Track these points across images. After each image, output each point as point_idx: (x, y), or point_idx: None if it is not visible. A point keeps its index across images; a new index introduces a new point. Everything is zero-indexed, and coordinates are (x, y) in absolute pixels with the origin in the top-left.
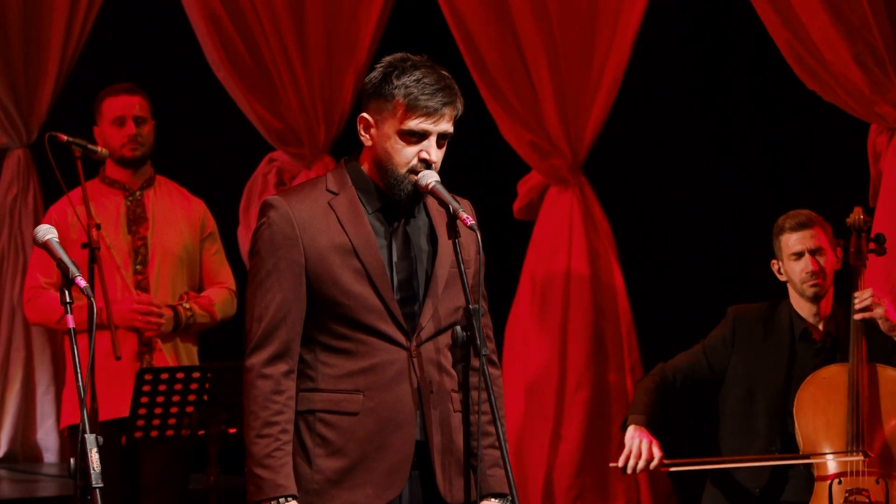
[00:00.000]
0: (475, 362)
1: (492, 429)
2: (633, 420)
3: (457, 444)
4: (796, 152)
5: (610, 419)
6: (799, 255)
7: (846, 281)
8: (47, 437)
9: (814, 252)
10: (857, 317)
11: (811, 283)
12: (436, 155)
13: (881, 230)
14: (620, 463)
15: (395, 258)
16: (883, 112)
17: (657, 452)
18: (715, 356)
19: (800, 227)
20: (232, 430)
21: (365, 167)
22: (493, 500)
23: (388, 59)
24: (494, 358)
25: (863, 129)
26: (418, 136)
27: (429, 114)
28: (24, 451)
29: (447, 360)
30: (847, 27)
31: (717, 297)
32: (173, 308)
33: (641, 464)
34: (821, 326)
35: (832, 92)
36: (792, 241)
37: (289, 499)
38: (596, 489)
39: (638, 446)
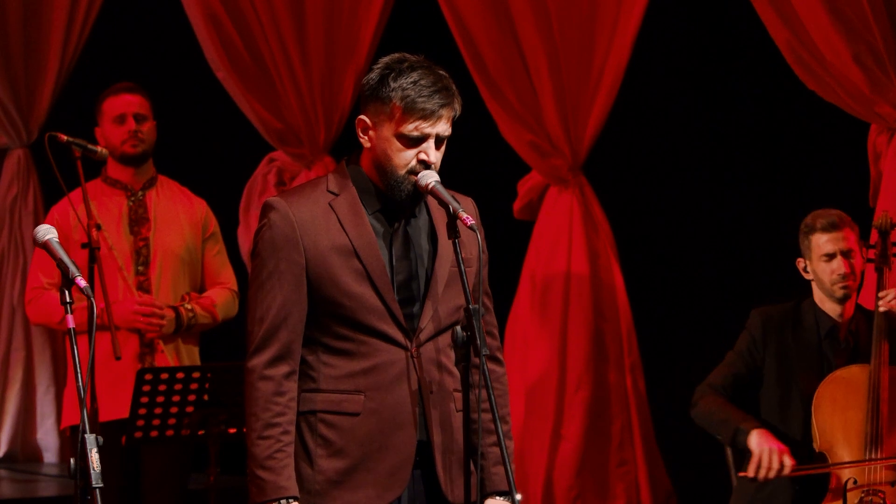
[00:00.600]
0: (477, 360)
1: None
2: (751, 426)
3: (459, 443)
4: (796, 152)
5: (610, 419)
6: (831, 257)
7: (870, 282)
8: (47, 437)
9: (846, 254)
10: (882, 309)
11: (842, 284)
12: (434, 156)
13: None
14: (751, 473)
15: (395, 259)
16: (883, 112)
17: (788, 461)
18: (751, 359)
19: (832, 227)
20: (232, 430)
21: (365, 168)
22: (497, 498)
23: (385, 60)
24: (499, 355)
25: (863, 129)
26: (416, 139)
27: (426, 116)
28: (24, 451)
29: (449, 359)
30: (847, 27)
31: (717, 296)
32: (175, 309)
33: (773, 473)
34: (843, 327)
35: (832, 92)
36: (823, 242)
37: (290, 500)
38: (596, 489)
39: (769, 456)
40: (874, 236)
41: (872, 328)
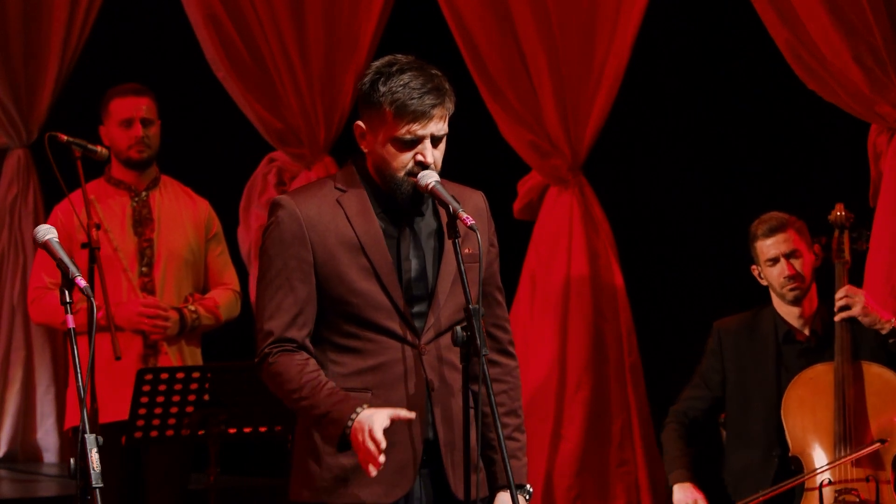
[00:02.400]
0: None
1: (506, 420)
2: (675, 478)
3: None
4: (796, 152)
5: (610, 419)
6: (774, 261)
7: (829, 278)
8: (47, 437)
9: (789, 255)
10: (838, 318)
11: (790, 287)
12: (432, 156)
13: (881, 230)
14: None
15: (402, 258)
16: (883, 112)
17: None
18: (711, 378)
19: (771, 232)
20: (232, 430)
21: (369, 170)
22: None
23: (376, 64)
24: (510, 348)
25: (863, 129)
26: (410, 141)
27: (416, 119)
28: (24, 451)
29: (456, 356)
30: (847, 27)
31: (717, 297)
32: (179, 311)
33: None
34: (806, 329)
35: (832, 92)
36: (766, 247)
37: (363, 407)
38: (596, 489)
39: None
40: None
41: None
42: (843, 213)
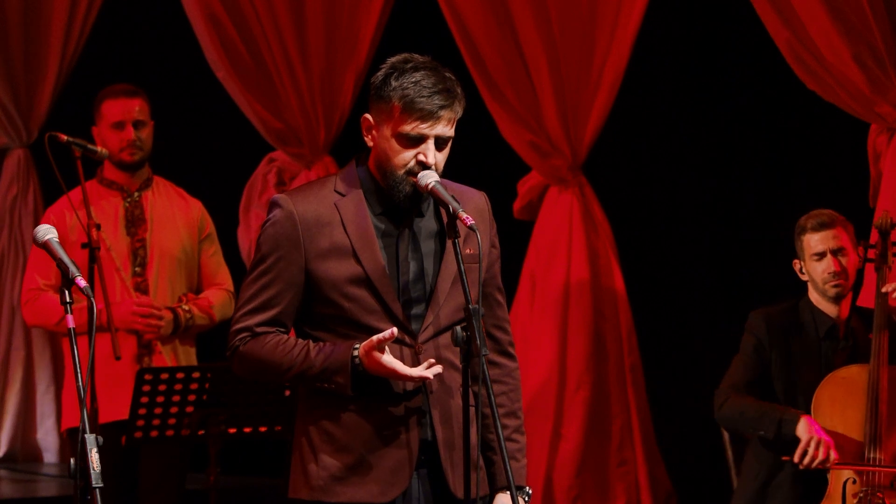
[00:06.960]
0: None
1: (505, 421)
2: (796, 414)
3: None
4: (796, 153)
5: (610, 419)
6: (821, 256)
7: (870, 281)
8: (47, 437)
9: (836, 252)
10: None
11: (833, 283)
12: (433, 157)
13: None
14: (796, 459)
15: (400, 259)
16: (883, 112)
17: (833, 455)
18: (760, 360)
19: (822, 227)
20: (232, 430)
21: (371, 168)
22: (508, 493)
23: (392, 59)
24: (511, 350)
25: (863, 129)
26: (415, 140)
27: (423, 117)
28: (24, 451)
29: (456, 355)
30: (847, 27)
31: (717, 296)
32: (173, 310)
33: (816, 464)
34: (841, 326)
35: (832, 92)
36: (814, 242)
37: (356, 347)
38: (596, 489)
39: (816, 445)
40: (874, 236)
41: (871, 327)
42: (890, 220)
